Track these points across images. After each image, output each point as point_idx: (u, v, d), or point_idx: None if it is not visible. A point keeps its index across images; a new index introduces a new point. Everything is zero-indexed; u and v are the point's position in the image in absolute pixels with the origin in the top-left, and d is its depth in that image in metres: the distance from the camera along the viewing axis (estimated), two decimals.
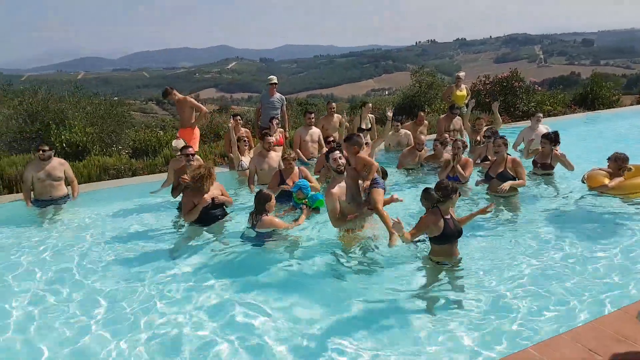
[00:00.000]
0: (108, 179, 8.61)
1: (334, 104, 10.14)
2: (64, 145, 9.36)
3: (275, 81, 9.72)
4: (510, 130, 11.66)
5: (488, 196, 6.56)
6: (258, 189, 5.54)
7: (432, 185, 4.62)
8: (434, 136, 9.73)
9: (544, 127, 9.16)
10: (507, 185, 6.15)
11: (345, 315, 3.90)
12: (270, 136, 7.51)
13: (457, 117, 9.91)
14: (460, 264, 4.52)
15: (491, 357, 3.27)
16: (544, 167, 7.25)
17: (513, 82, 14.24)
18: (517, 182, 6.26)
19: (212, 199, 5.60)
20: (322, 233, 5.44)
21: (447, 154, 7.61)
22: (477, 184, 6.80)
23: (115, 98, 12.94)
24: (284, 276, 4.65)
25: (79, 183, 7.63)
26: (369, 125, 9.80)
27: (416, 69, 16.96)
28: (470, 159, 7.27)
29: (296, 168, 6.60)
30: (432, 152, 8.30)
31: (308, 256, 4.96)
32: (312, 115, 9.20)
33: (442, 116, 10.26)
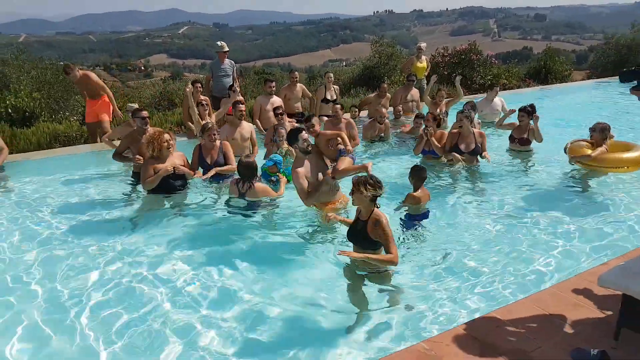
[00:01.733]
0: (59, 147, 8.17)
1: (296, 73, 9.94)
2: (10, 110, 8.77)
3: (227, 49, 9.39)
4: (463, 103, 11.94)
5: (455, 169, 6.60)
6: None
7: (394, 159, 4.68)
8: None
9: (499, 99, 9.52)
10: (488, 156, 6.43)
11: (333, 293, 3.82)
12: (241, 104, 7.14)
13: (415, 88, 10.02)
14: (427, 231, 4.68)
15: (456, 320, 3.38)
16: (521, 143, 7.15)
17: (471, 55, 14.45)
18: (488, 155, 6.49)
19: (174, 168, 5.32)
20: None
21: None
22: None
23: (61, 63, 12.13)
24: (264, 247, 4.60)
25: (29, 150, 7.21)
26: (334, 97, 9.72)
27: (376, 39, 16.87)
28: (445, 131, 7.08)
29: (218, 142, 6.13)
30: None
31: (291, 226, 4.93)
32: (273, 83, 8.95)
33: (399, 88, 10.33)
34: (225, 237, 4.72)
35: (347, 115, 8.73)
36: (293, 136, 4.79)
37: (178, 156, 5.55)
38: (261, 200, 5.20)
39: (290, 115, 9.01)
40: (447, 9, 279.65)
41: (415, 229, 4.69)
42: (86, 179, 6.66)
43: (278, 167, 5.81)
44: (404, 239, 4.54)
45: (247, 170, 5.11)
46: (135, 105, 7.09)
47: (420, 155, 7.00)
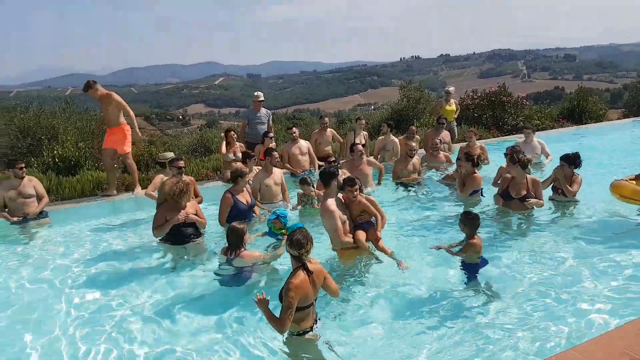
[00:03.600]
0: (102, 194, 8.52)
1: (326, 118, 10.22)
2: (57, 160, 9.27)
3: (262, 98, 9.70)
4: (500, 144, 11.83)
5: (502, 213, 6.41)
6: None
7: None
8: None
9: (538, 141, 9.22)
10: (534, 202, 6.07)
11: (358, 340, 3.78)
12: (275, 151, 7.31)
13: (445, 130, 10.08)
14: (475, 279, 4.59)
15: None
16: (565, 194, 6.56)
17: (501, 96, 14.47)
18: (540, 202, 6.14)
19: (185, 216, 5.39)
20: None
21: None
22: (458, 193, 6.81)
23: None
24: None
25: (74, 197, 7.54)
26: (363, 141, 9.86)
27: (404, 84, 17.17)
28: (478, 174, 6.99)
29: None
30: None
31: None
32: (294, 129, 9.25)
33: (429, 130, 10.38)
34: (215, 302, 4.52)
35: (371, 158, 8.83)
36: (330, 176, 5.03)
37: (191, 205, 5.60)
38: (251, 264, 4.78)
39: (320, 159, 9.21)
40: (474, 52, 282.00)
41: (476, 277, 4.61)
42: (122, 225, 6.95)
43: (282, 222, 5.48)
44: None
45: (232, 236, 4.66)
46: (171, 155, 7.29)
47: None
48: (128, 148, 8.22)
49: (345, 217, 5.06)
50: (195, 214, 5.59)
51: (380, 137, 10.01)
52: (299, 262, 3.46)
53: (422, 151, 10.01)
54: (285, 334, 3.54)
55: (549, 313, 4.02)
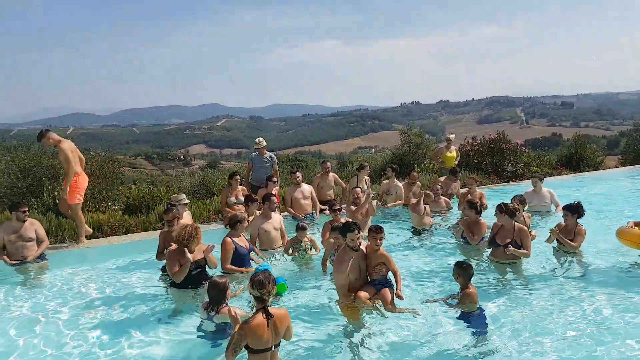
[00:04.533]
0: (101, 237, 8.47)
1: (328, 163, 10.30)
2: (57, 201, 9.25)
3: (265, 144, 9.81)
4: (500, 190, 11.91)
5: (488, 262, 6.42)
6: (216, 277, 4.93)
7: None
8: None
9: (547, 190, 9.10)
10: (515, 251, 5.93)
11: None
12: (274, 197, 7.32)
13: (454, 182, 10.10)
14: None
15: None
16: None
17: (501, 143, 14.65)
18: (523, 252, 6.00)
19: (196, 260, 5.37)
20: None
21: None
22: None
23: (103, 153, 12.91)
24: None
25: (72, 240, 7.46)
26: (365, 187, 9.89)
27: (404, 130, 17.40)
28: (482, 220, 6.95)
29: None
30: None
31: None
32: (297, 173, 9.32)
33: (441, 178, 10.34)
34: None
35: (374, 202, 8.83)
36: (347, 229, 4.89)
37: (198, 249, 5.54)
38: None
39: (322, 202, 9.23)
40: (473, 98, 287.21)
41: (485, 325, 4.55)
42: (123, 269, 6.84)
43: None
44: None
45: (213, 291, 4.38)
46: (183, 196, 7.26)
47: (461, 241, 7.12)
48: (75, 200, 7.81)
49: (356, 271, 4.93)
50: (205, 259, 5.53)
51: (384, 181, 10.07)
52: (261, 304, 3.47)
53: None
54: None
55: None
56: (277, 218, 7.18)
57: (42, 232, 7.04)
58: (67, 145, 7.86)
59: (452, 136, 11.74)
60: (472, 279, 4.77)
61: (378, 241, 4.98)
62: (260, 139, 9.97)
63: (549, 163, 15.64)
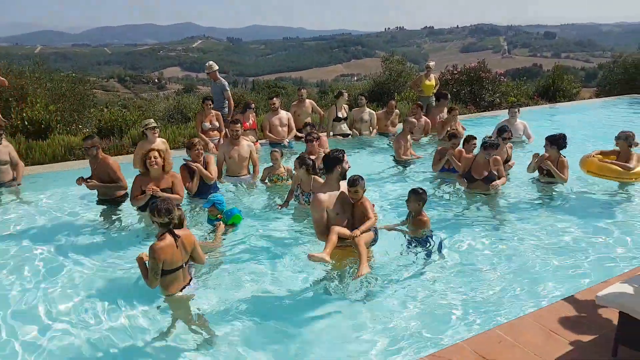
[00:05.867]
0: (73, 159, 8.35)
1: (303, 90, 10.14)
2: (26, 122, 9.01)
3: (215, 68, 9.32)
4: (477, 121, 12.03)
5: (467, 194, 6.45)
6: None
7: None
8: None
9: (521, 122, 9.17)
10: (499, 183, 6.14)
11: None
12: (237, 123, 6.89)
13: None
14: (438, 249, 4.74)
15: (458, 337, 3.43)
16: (550, 175, 6.49)
17: (480, 72, 14.57)
18: (502, 180, 6.22)
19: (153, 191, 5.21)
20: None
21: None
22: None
23: (74, 74, 12.45)
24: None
25: (44, 163, 7.32)
26: (345, 115, 9.83)
27: (386, 57, 17.08)
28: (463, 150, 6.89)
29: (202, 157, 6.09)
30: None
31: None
32: (275, 99, 9.15)
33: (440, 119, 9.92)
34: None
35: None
36: (335, 161, 4.34)
37: (170, 175, 5.43)
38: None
39: (299, 130, 9.19)
40: (457, 26, 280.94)
41: (418, 250, 4.73)
42: (87, 194, 6.58)
43: (218, 209, 5.13)
44: (410, 258, 4.60)
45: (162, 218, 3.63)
46: (151, 121, 7.00)
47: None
48: None
49: (339, 207, 4.36)
50: (172, 188, 5.39)
51: (355, 109, 10.04)
52: (165, 228, 3.57)
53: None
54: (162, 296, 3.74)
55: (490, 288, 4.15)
56: (244, 145, 6.92)
57: (15, 155, 6.84)
58: None
59: (431, 64, 11.58)
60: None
61: (355, 194, 4.37)
62: (211, 62, 9.43)
63: (526, 93, 15.72)
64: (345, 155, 4.45)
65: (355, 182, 4.34)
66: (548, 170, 6.45)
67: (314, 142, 6.64)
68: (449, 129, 8.60)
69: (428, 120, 9.81)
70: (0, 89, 9.59)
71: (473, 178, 6.27)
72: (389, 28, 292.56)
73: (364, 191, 4.40)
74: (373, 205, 4.62)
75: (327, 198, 4.30)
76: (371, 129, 9.93)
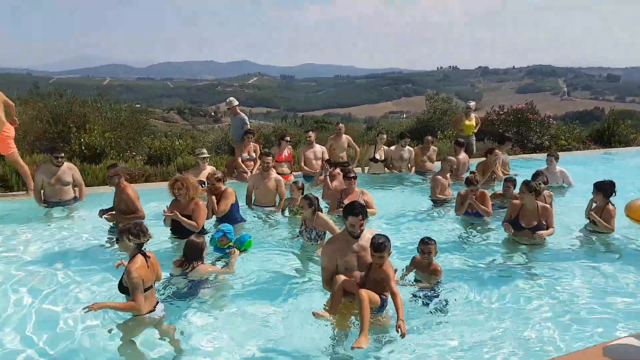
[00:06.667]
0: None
1: (341, 124, 10.35)
2: (83, 147, 9.69)
3: (235, 103, 9.67)
4: (521, 163, 11.69)
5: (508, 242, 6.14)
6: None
7: None
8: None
9: (560, 170, 8.88)
10: (544, 233, 5.80)
11: None
12: (269, 155, 7.27)
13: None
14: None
15: None
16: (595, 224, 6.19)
17: (527, 114, 14.29)
18: (550, 231, 5.86)
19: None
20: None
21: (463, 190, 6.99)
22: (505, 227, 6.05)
23: (138, 105, 13.39)
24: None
25: (94, 185, 7.81)
26: (383, 157, 9.76)
27: (431, 95, 17.15)
28: (486, 191, 6.91)
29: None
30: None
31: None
32: (310, 132, 9.46)
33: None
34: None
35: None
36: (349, 211, 3.98)
37: (194, 203, 5.64)
38: (205, 277, 4.72)
39: (335, 164, 9.33)
40: (513, 66, 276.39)
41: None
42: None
43: (228, 238, 5.34)
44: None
45: (191, 250, 4.62)
46: (204, 151, 7.69)
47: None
48: (9, 150, 7.59)
49: (352, 258, 4.01)
50: (191, 215, 5.59)
51: (395, 146, 9.98)
52: (138, 250, 3.72)
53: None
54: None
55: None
56: (273, 178, 7.12)
57: (78, 176, 7.37)
58: None
59: (472, 104, 11.51)
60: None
61: (379, 260, 3.86)
62: (231, 98, 9.81)
63: (579, 137, 15.19)
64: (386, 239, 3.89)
65: (381, 246, 3.78)
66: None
67: (352, 181, 6.70)
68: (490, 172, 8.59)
69: (466, 155, 9.70)
70: (65, 116, 10.45)
71: (520, 226, 5.90)
72: (441, 67, 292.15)
73: (389, 254, 3.89)
74: (395, 270, 4.05)
75: (342, 247, 3.93)
76: (409, 166, 9.90)
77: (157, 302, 3.87)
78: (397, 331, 3.46)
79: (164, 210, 5.57)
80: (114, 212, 6.06)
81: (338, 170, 7.64)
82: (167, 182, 6.61)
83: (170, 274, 4.69)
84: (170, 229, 5.82)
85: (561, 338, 3.96)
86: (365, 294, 3.66)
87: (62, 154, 7.14)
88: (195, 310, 4.34)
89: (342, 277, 3.80)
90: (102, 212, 6.07)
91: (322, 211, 5.75)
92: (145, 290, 3.68)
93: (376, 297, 3.85)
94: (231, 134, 9.93)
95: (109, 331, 3.89)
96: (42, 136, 10.33)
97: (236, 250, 5.27)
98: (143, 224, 3.82)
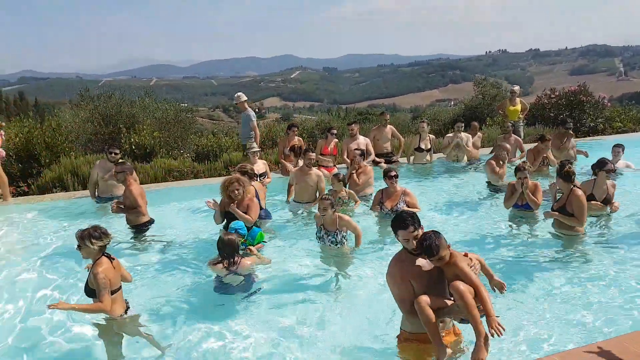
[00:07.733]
0: (172, 180, 9.17)
1: (387, 115, 10.20)
2: (133, 147, 10.08)
3: (243, 99, 9.45)
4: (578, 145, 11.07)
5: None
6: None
7: None
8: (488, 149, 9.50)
9: (623, 161, 8.30)
10: (554, 215, 5.47)
11: None
12: (311, 152, 7.25)
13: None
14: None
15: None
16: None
17: (581, 96, 13.60)
18: (570, 218, 5.37)
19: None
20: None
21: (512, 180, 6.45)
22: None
23: (184, 104, 13.76)
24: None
25: (145, 183, 8.13)
26: (429, 146, 9.57)
27: (479, 80, 16.64)
28: (539, 183, 6.36)
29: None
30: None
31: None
32: (353, 125, 9.31)
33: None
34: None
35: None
36: (399, 225, 3.16)
37: (249, 199, 5.55)
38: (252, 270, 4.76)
39: (379, 155, 9.27)
40: (566, 47, 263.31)
41: None
42: (191, 210, 7.42)
43: (241, 234, 5.18)
44: None
45: (227, 248, 4.55)
46: (254, 146, 7.94)
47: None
48: None
49: (433, 286, 3.15)
50: (247, 211, 5.50)
51: (450, 135, 9.80)
52: (102, 252, 3.67)
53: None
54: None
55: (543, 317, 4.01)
56: (313, 174, 6.99)
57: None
58: None
59: (516, 88, 11.05)
60: None
61: (438, 262, 3.10)
62: (239, 93, 9.62)
63: (635, 118, 14.29)
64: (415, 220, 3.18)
65: (431, 249, 3.03)
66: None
67: (394, 180, 6.35)
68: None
69: (518, 138, 9.45)
70: (115, 117, 10.87)
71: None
72: (490, 51, 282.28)
73: (449, 247, 3.12)
74: (471, 259, 3.28)
75: (408, 269, 3.16)
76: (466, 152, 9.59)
77: (127, 305, 3.88)
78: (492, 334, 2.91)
79: (207, 201, 5.66)
80: (122, 206, 6.15)
81: (364, 162, 7.63)
82: (214, 178, 6.73)
83: (218, 276, 4.68)
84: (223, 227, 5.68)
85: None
86: (465, 287, 2.98)
87: (117, 150, 7.47)
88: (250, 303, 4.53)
89: (422, 299, 3.05)
90: (115, 204, 6.16)
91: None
92: (114, 292, 3.67)
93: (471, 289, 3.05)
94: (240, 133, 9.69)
95: (88, 334, 4.01)
96: (94, 137, 10.79)
97: (251, 247, 5.16)
98: (102, 226, 3.75)
